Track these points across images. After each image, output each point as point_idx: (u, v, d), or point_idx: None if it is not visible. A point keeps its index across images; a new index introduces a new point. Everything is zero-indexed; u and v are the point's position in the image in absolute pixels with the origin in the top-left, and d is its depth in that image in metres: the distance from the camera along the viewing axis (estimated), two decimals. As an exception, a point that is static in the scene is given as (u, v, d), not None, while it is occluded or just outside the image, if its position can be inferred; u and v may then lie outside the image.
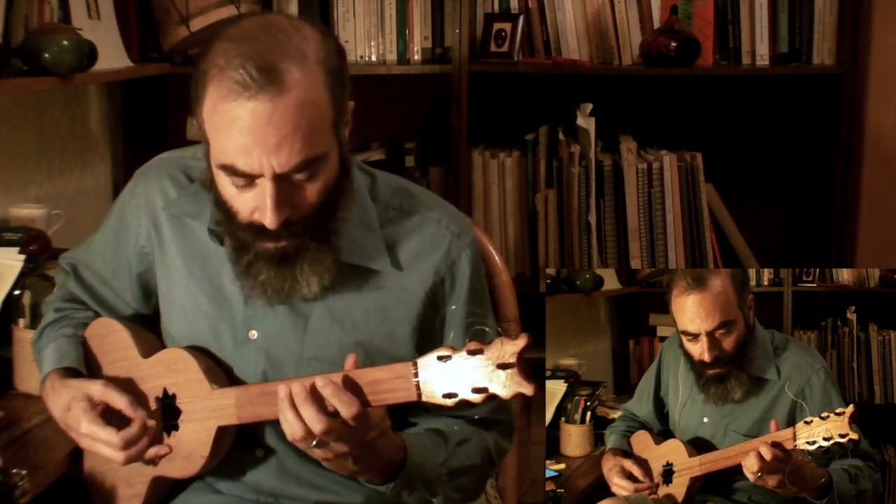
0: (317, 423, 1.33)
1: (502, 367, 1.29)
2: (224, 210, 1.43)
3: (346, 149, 1.45)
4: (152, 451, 1.48)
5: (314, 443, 1.35)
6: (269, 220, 1.37)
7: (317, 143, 1.36)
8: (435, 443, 1.51)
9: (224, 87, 1.33)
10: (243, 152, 1.34)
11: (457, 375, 1.30)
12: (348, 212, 1.46)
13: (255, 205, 1.38)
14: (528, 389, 1.29)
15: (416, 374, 1.33)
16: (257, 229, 1.40)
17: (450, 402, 1.31)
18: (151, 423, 1.47)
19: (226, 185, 1.40)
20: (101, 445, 1.46)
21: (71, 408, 1.48)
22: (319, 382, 1.34)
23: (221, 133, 1.35)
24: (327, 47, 1.39)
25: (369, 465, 1.41)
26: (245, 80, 1.31)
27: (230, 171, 1.37)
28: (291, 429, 1.36)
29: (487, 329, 1.54)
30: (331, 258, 1.44)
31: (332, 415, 1.34)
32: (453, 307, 1.55)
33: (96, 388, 1.49)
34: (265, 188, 1.36)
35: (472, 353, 1.30)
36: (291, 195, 1.38)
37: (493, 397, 1.30)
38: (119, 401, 1.47)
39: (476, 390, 1.30)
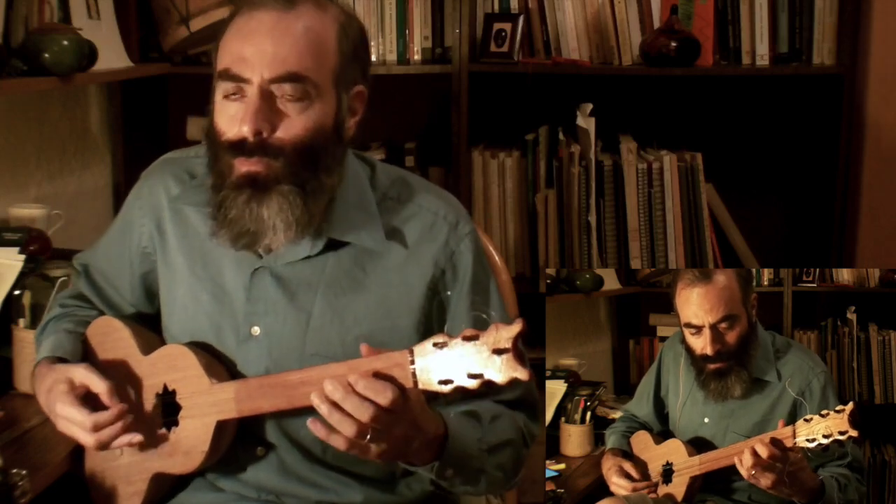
0: (364, 412, 1.31)
1: (498, 352, 1.28)
2: (211, 139, 1.47)
3: (343, 109, 1.49)
4: (125, 439, 1.47)
5: (369, 436, 1.32)
6: (246, 123, 1.41)
7: (310, 67, 1.43)
8: (469, 421, 1.49)
9: (246, 8, 1.45)
10: (239, 57, 1.42)
11: (452, 362, 1.30)
12: (334, 182, 1.48)
13: (238, 117, 1.43)
14: (523, 374, 1.28)
15: (412, 362, 1.32)
16: (236, 147, 1.43)
17: (446, 388, 1.30)
18: (124, 409, 1.46)
19: (219, 107, 1.46)
20: (74, 427, 1.46)
21: (51, 390, 1.49)
22: (351, 378, 1.32)
23: (227, 41, 1.45)
24: (349, 18, 1.50)
25: (419, 445, 1.39)
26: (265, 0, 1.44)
27: (224, 75, 1.44)
28: (343, 427, 1.31)
29: (487, 317, 1.53)
30: (300, 210, 1.44)
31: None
32: (448, 293, 1.55)
33: (78, 372, 1.49)
34: (249, 95, 1.42)
35: (467, 339, 1.30)
36: (274, 115, 1.43)
37: (488, 383, 1.29)
38: (98, 385, 1.47)
39: (471, 376, 1.29)
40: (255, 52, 1.42)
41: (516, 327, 1.28)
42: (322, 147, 1.45)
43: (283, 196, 1.43)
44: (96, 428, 1.45)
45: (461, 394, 1.32)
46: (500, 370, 1.28)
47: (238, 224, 1.45)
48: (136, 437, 1.48)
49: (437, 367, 1.31)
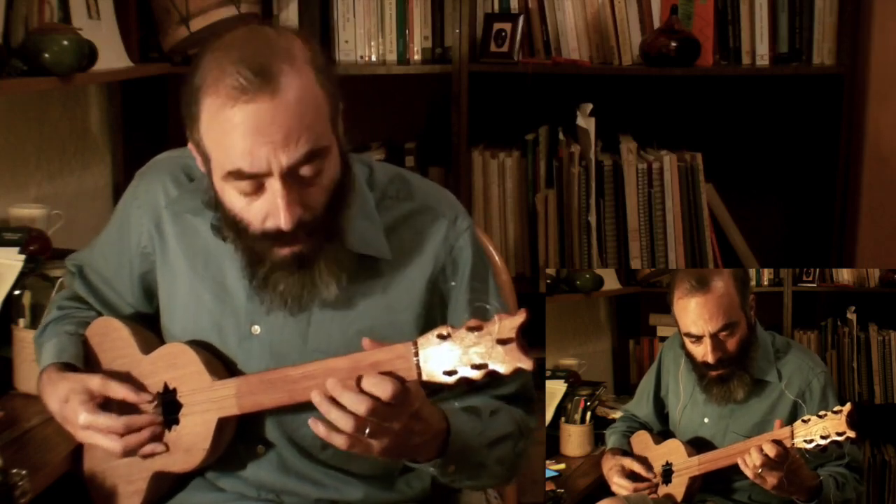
0: (361, 405, 1.30)
1: (501, 342, 1.28)
2: (234, 226, 1.42)
3: (344, 145, 1.46)
4: (148, 448, 1.48)
5: (367, 431, 1.32)
6: (283, 219, 1.36)
7: (319, 135, 1.37)
8: (469, 416, 1.49)
9: (221, 95, 1.34)
10: (248, 154, 1.34)
11: (456, 353, 1.30)
12: (354, 207, 1.48)
13: (267, 210, 1.38)
14: (526, 364, 1.28)
15: (416, 354, 1.32)
16: (273, 236, 1.39)
17: (450, 379, 1.30)
18: (158, 418, 1.48)
19: (233, 198, 1.40)
20: (101, 435, 1.47)
21: (69, 400, 1.49)
22: (357, 379, 1.32)
23: (225, 141, 1.35)
24: (311, 47, 1.41)
25: (422, 441, 1.39)
26: (242, 85, 1.32)
27: (237, 175, 1.36)
28: (341, 423, 1.31)
29: (489, 307, 1.54)
30: (346, 257, 1.45)
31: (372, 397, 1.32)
32: (452, 283, 1.55)
33: (95, 382, 1.50)
34: (275, 189, 1.36)
35: (470, 329, 1.29)
36: (301, 194, 1.38)
37: (492, 374, 1.29)
38: (120, 391, 1.48)
39: (475, 367, 1.29)
40: (266, 147, 1.34)
41: (519, 317, 1.28)
42: (340, 189, 1.44)
43: (329, 255, 1.43)
44: (128, 430, 1.46)
45: (465, 385, 1.32)
46: (504, 360, 1.28)
47: (290, 294, 1.45)
48: (160, 448, 1.49)
49: (441, 359, 1.31)
